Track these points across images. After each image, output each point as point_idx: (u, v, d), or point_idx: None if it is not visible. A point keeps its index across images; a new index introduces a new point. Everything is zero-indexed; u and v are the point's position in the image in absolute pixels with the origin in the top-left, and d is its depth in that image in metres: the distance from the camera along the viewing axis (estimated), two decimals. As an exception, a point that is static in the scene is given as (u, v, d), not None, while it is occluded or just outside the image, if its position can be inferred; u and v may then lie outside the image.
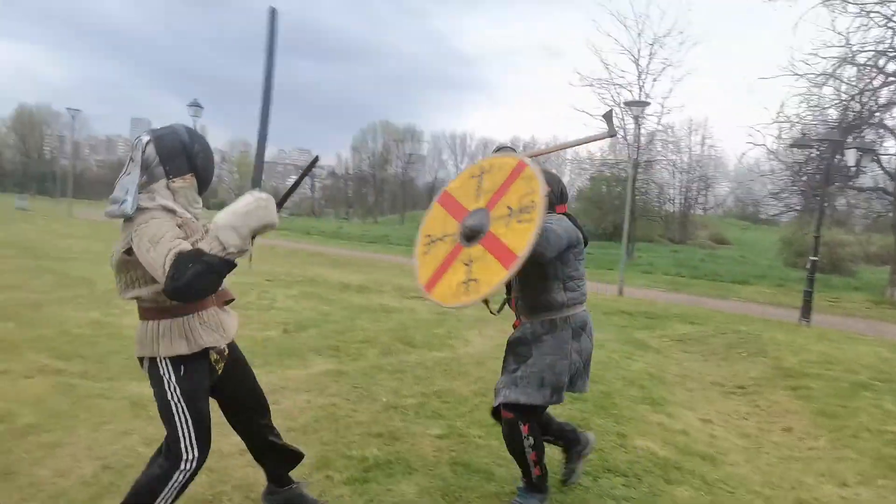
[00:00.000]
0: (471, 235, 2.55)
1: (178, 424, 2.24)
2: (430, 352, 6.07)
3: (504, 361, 2.95)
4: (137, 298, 2.25)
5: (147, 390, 4.19)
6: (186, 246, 2.03)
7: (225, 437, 3.49)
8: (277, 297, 8.50)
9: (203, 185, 2.34)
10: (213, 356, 2.34)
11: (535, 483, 2.91)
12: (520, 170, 2.55)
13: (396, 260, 19.68)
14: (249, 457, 3.27)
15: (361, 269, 15.21)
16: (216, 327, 2.34)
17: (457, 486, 3.09)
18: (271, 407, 4.05)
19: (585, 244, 2.95)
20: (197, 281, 1.96)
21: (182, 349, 2.22)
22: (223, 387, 2.48)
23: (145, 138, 2.22)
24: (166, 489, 2.21)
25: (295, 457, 2.79)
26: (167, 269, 1.96)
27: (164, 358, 2.22)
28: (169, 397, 2.24)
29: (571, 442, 3.25)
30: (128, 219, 2.14)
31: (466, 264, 2.50)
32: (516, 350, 2.89)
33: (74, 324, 6.05)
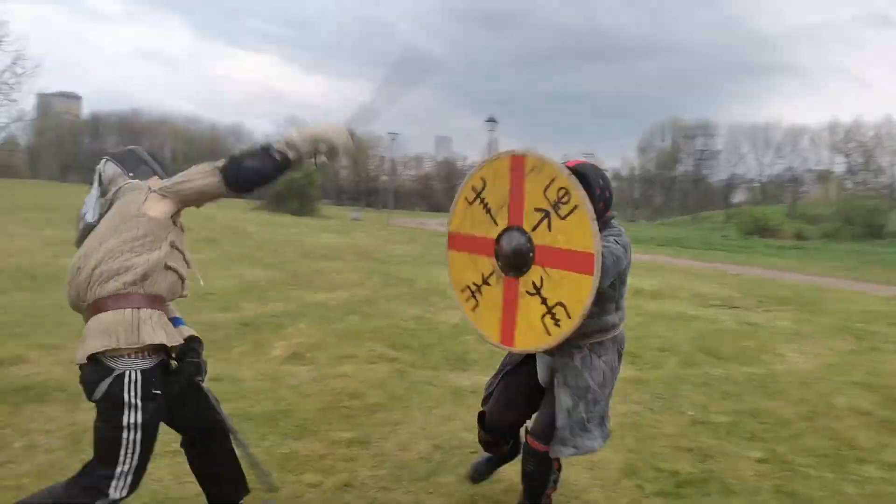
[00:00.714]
0: (517, 263, 2.23)
1: (122, 453, 1.95)
2: (740, 366, 5.57)
3: (553, 397, 2.49)
4: (122, 272, 1.98)
5: (466, 380, 4.74)
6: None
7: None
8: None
9: None
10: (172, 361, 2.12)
11: None
12: (519, 165, 2.21)
13: (690, 264, 18.49)
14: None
15: (652, 273, 14.63)
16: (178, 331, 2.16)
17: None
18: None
19: None
20: (252, 165, 2.05)
21: (163, 338, 2.00)
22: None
23: (103, 160, 2.29)
24: None
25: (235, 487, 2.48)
26: (221, 164, 2.04)
27: (136, 373, 1.94)
28: (125, 421, 1.93)
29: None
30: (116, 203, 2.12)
31: (533, 294, 2.18)
32: (568, 382, 2.44)
33: (401, 318, 7.02)
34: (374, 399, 4.27)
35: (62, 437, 3.35)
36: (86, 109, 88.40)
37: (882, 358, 5.75)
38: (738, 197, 73.81)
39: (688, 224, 56.11)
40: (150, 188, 2.11)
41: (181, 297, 2.23)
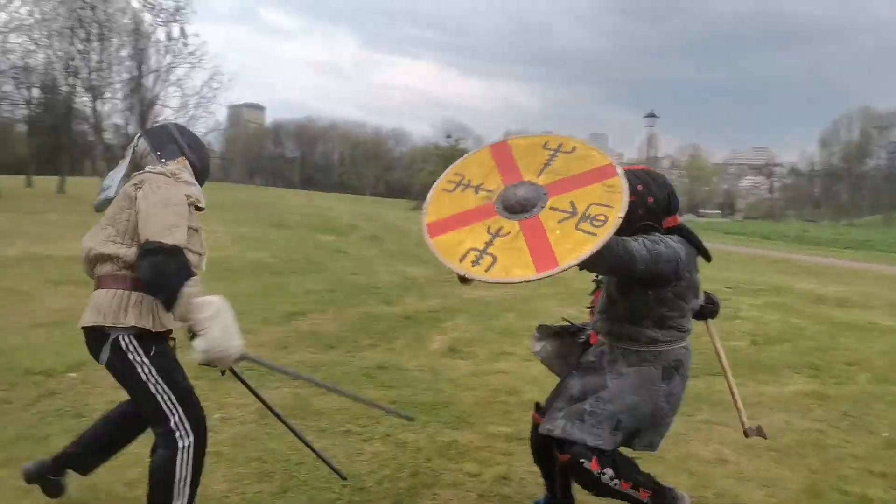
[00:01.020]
0: (514, 208, 2.10)
1: (162, 404, 2.09)
2: (949, 386, 4.85)
3: (565, 383, 2.45)
4: (113, 258, 2.10)
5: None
6: (185, 238, 2.04)
7: (704, 445, 3.53)
8: (742, 307, 8.08)
9: (197, 172, 2.33)
10: (171, 342, 2.25)
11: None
12: (605, 173, 2.08)
13: (884, 269, 16.33)
14: (731, 468, 3.25)
15: (838, 278, 13.15)
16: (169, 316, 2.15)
17: None
18: (748, 422, 3.91)
19: (708, 259, 2.36)
20: (159, 277, 1.95)
21: (149, 324, 2.08)
22: None
23: (137, 136, 2.35)
24: (177, 477, 2.09)
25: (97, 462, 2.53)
26: (169, 239, 1.96)
27: (129, 336, 2.08)
28: (143, 377, 2.07)
29: None
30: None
31: (491, 233, 2.06)
32: (586, 376, 2.35)
33: (558, 317, 6.98)
34: (531, 396, 4.29)
35: (253, 411, 3.78)
36: (268, 118, 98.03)
37: None
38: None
39: (879, 225, 49.49)
40: (143, 180, 2.14)
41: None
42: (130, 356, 2.08)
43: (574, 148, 2.23)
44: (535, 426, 2.55)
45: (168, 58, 17.77)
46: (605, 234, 1.91)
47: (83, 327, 2.15)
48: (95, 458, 2.51)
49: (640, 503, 2.30)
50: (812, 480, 3.09)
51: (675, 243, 2.19)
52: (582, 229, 1.95)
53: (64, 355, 4.46)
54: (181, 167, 2.25)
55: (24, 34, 19.27)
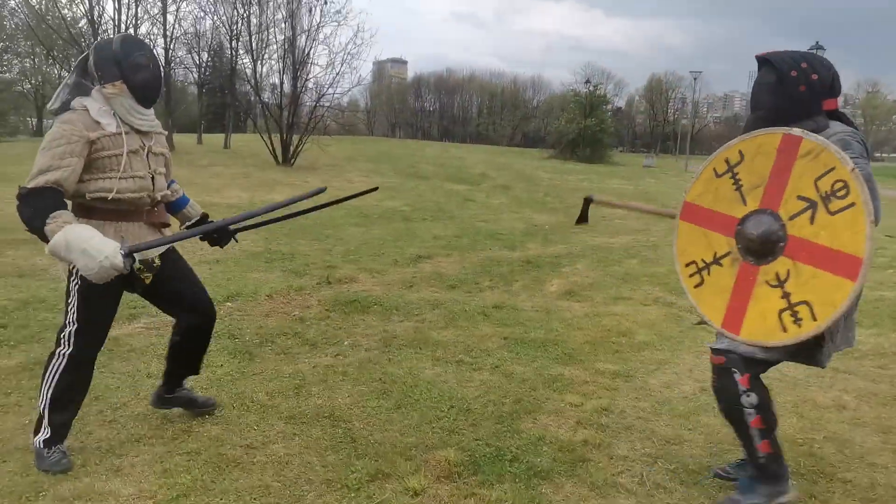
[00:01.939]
0: (761, 250, 2.01)
1: (66, 314, 2.35)
2: None
3: None
4: (74, 193, 2.28)
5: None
6: (65, 175, 2.15)
7: (824, 392, 3.39)
8: (902, 256, 7.30)
9: (139, 94, 2.35)
10: (137, 265, 2.35)
11: (762, 467, 2.18)
12: (792, 146, 1.95)
13: None
14: (849, 414, 3.11)
15: None
16: (135, 240, 2.33)
17: None
18: (877, 371, 3.69)
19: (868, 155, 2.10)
20: (27, 224, 2.14)
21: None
22: (159, 291, 2.55)
23: (91, 47, 2.40)
24: (47, 372, 2.36)
25: (194, 369, 2.84)
26: (31, 184, 2.13)
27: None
28: (70, 287, 2.33)
29: None
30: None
31: (775, 286, 1.97)
32: None
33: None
34: (643, 338, 4.31)
35: (377, 340, 4.16)
36: (410, 72, 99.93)
37: None
38: None
39: None
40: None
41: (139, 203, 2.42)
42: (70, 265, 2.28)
43: (742, 153, 2.12)
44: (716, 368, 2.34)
45: (318, 16, 18.73)
46: (862, 197, 1.84)
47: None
48: (184, 370, 2.84)
49: (754, 452, 2.20)
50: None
51: (865, 163, 2.02)
52: (835, 210, 1.89)
53: (222, 287, 5.14)
54: (115, 92, 2.32)
55: (193, 2, 21.18)
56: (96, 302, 2.35)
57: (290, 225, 8.67)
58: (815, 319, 1.89)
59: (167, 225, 2.60)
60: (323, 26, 18.74)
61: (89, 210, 2.32)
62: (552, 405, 3.18)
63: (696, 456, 2.70)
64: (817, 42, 22.95)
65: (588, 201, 2.99)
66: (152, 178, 2.45)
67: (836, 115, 2.19)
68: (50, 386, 2.37)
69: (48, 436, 2.38)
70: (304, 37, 19.58)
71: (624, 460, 2.64)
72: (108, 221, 2.33)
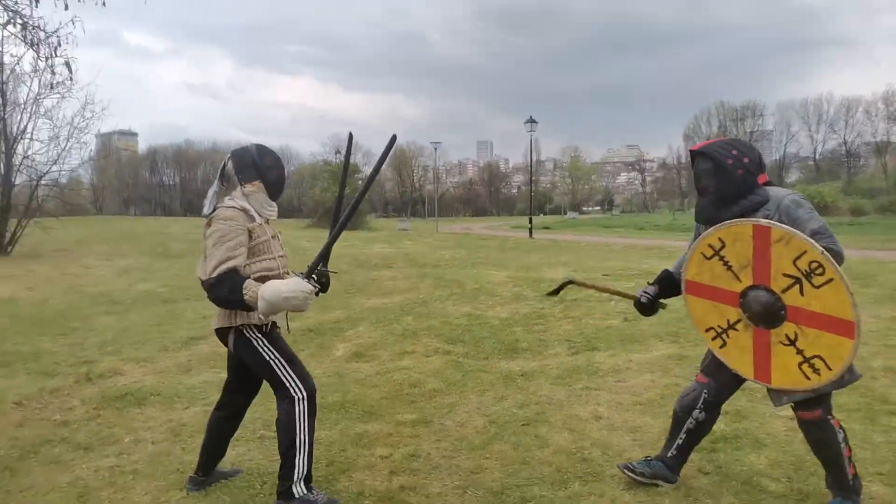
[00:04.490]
0: (767, 318, 2.39)
1: (279, 372, 2.70)
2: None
3: None
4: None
5: (516, 366, 5.10)
6: (240, 262, 2.56)
7: (583, 407, 4.03)
8: (617, 290, 8.91)
9: (272, 190, 2.80)
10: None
11: (854, 486, 2.56)
12: (764, 233, 2.34)
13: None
14: (605, 422, 3.76)
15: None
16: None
17: (812, 462, 3.04)
18: (618, 384, 4.49)
19: None
20: (224, 302, 2.54)
21: (255, 319, 2.66)
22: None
23: (227, 156, 2.81)
24: (297, 422, 2.67)
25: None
26: (215, 273, 2.50)
27: (248, 325, 2.67)
28: (265, 356, 2.69)
29: None
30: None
31: (787, 345, 2.36)
32: None
33: (454, 316, 7.42)
34: (432, 386, 4.66)
35: (164, 431, 3.87)
36: (142, 144, 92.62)
37: (928, 322, 5.81)
38: (792, 176, 71.53)
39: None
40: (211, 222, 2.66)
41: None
42: (249, 337, 2.70)
43: (722, 240, 2.46)
44: (698, 384, 2.79)
45: (35, 87, 16.46)
46: (835, 272, 2.18)
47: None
48: (216, 458, 3.08)
49: (845, 475, 2.51)
50: (669, 424, 3.65)
51: (818, 216, 2.42)
52: (818, 284, 2.22)
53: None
54: (253, 189, 2.74)
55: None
56: (284, 345, 2.79)
57: (23, 322, 7.50)
58: (830, 369, 2.27)
59: None
60: (43, 98, 16.56)
61: None
62: (364, 461, 3.31)
63: (496, 479, 3.05)
64: (530, 116, 27.06)
65: (567, 283, 3.40)
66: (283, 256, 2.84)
67: (768, 184, 2.57)
68: (303, 434, 2.67)
69: (306, 473, 2.69)
70: (18, 111, 17.16)
71: (439, 496, 2.88)
72: None
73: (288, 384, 2.70)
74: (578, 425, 3.71)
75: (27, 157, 17.50)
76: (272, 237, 2.78)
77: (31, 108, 16.92)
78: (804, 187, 48.54)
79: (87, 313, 8.18)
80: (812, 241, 2.25)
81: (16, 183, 18.02)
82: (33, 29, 5.75)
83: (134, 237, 22.61)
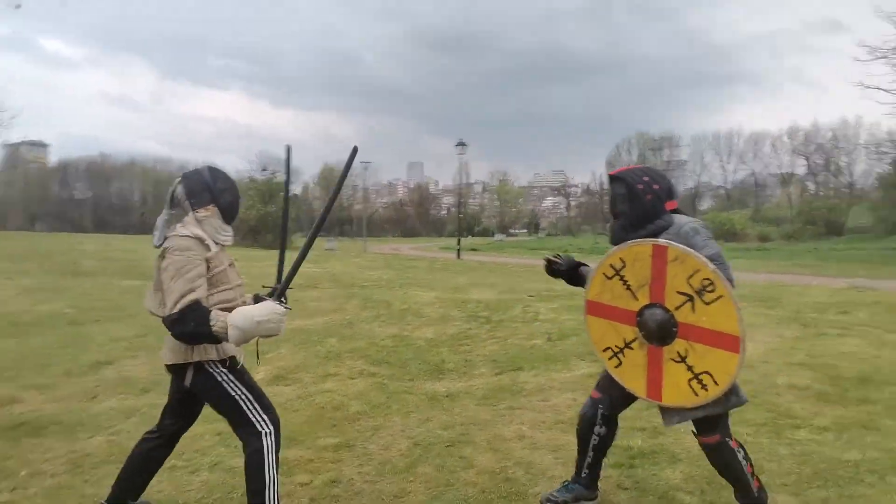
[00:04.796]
0: (661, 335, 2.49)
1: (245, 408, 2.57)
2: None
3: None
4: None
5: (442, 387, 5.08)
6: (202, 293, 2.40)
7: (507, 426, 4.05)
8: (540, 311, 9.06)
9: (226, 214, 2.66)
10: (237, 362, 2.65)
11: (757, 497, 2.69)
12: (662, 253, 2.45)
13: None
14: (528, 441, 3.78)
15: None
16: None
17: (722, 477, 3.17)
18: (541, 404, 4.55)
19: None
20: (191, 337, 2.38)
21: (214, 354, 2.54)
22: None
23: (177, 181, 2.64)
24: (266, 458, 2.57)
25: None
26: (177, 308, 2.33)
27: (210, 361, 2.53)
28: (231, 392, 2.55)
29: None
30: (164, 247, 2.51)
31: (678, 361, 2.46)
32: None
33: (380, 337, 7.33)
34: (356, 409, 4.57)
35: (64, 463, 3.59)
36: (53, 157, 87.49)
37: (824, 342, 6.20)
38: (705, 204, 75.63)
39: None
40: (164, 256, 2.48)
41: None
42: (213, 373, 2.55)
43: (623, 260, 2.56)
44: (592, 401, 2.87)
45: None
46: (725, 289, 2.30)
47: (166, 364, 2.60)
48: (134, 491, 2.82)
49: (750, 489, 2.64)
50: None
51: (714, 243, 2.53)
52: (708, 301, 2.34)
53: None
54: (207, 214, 2.59)
55: None
56: (247, 376, 2.66)
57: None
58: (717, 385, 2.37)
59: None
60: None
61: None
62: (283, 489, 3.17)
63: (421, 503, 3.00)
64: (461, 139, 27.43)
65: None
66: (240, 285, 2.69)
67: (676, 211, 2.67)
68: (272, 470, 2.58)
69: None
70: None
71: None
72: None
73: (255, 420, 2.59)
74: (502, 445, 3.71)
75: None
76: (229, 265, 2.63)
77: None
78: (716, 214, 51.52)
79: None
80: (705, 259, 2.37)
81: None
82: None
83: (40, 254, 21.19)
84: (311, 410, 4.53)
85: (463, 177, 37.27)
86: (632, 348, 2.59)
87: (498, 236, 74.67)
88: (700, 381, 2.40)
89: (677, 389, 2.47)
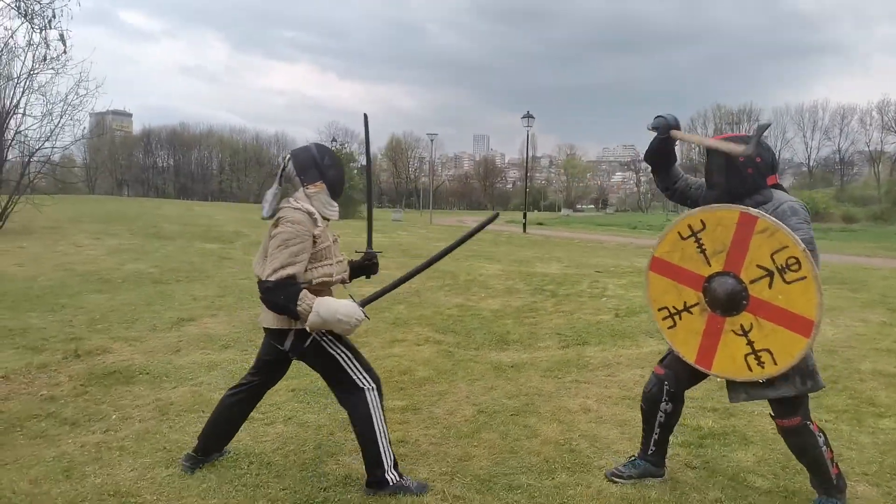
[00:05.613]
0: (727, 305, 2.41)
1: (348, 368, 2.74)
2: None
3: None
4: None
5: (506, 358, 5.11)
6: (299, 269, 2.51)
7: (572, 399, 4.04)
8: (608, 287, 8.92)
9: (333, 189, 2.75)
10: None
11: (836, 485, 2.59)
12: (750, 222, 2.34)
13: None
14: (593, 415, 3.77)
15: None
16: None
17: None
18: (607, 379, 4.50)
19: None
20: (276, 307, 2.52)
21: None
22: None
23: (287, 157, 2.76)
24: (373, 412, 2.75)
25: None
26: (273, 277, 2.46)
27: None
28: (333, 353, 2.71)
29: None
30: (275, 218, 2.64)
31: (739, 335, 2.39)
32: None
33: (446, 306, 7.42)
34: (422, 374, 4.66)
35: (151, 410, 3.85)
36: (136, 125, 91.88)
37: (915, 328, 5.84)
38: (786, 182, 71.65)
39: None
40: (277, 222, 2.60)
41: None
42: (318, 339, 2.69)
43: (705, 223, 2.44)
44: (657, 377, 2.84)
45: (29, 62, 16.14)
46: (811, 272, 2.22)
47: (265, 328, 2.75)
48: (224, 440, 3.07)
49: (828, 476, 2.56)
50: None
51: (809, 227, 2.40)
52: (790, 280, 2.26)
53: None
54: (317, 190, 2.69)
55: None
56: (344, 339, 2.78)
57: (12, 297, 7.43)
58: (776, 364, 2.32)
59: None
60: (37, 73, 16.24)
61: (315, 292, 2.60)
62: (352, 445, 3.28)
63: (484, 467, 3.05)
64: (528, 111, 26.98)
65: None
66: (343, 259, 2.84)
67: (777, 186, 2.58)
68: (379, 422, 2.77)
69: (394, 460, 2.79)
70: (11, 85, 16.90)
71: (426, 482, 2.87)
72: (326, 295, 2.69)
73: (356, 378, 2.75)
74: (567, 417, 3.71)
75: (19, 133, 17.31)
76: (333, 241, 2.74)
77: (25, 83, 16.70)
78: (797, 192, 48.83)
79: (77, 291, 8.11)
80: (797, 237, 2.26)
81: (7, 158, 17.84)
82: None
83: (126, 218, 22.45)
84: (380, 373, 4.62)
85: (530, 150, 36.72)
86: (691, 313, 2.52)
87: (565, 211, 73.48)
88: (758, 358, 2.34)
89: (731, 361, 2.41)
